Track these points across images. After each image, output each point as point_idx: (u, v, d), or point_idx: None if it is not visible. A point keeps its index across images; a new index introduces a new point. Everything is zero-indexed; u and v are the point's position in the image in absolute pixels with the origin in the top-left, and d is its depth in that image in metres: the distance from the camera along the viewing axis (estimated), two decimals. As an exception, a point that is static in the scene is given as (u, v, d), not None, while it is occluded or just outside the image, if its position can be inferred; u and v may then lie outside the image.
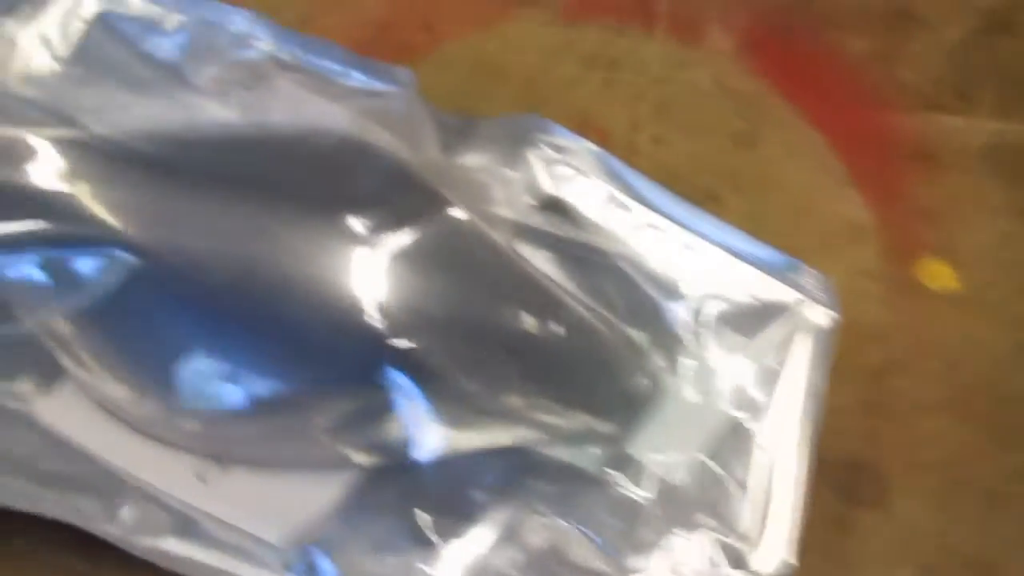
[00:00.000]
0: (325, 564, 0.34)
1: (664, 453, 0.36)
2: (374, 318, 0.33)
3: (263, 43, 0.40)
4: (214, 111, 0.39)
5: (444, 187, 0.37)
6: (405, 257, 0.34)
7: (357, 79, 0.40)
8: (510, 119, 0.41)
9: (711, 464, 0.36)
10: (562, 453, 0.36)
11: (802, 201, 0.44)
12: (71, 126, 0.36)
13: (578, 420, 0.36)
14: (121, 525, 0.34)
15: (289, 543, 0.34)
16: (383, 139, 0.38)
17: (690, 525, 0.35)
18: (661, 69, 0.46)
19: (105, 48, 0.40)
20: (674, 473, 0.36)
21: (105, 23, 0.40)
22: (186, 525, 0.34)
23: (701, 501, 0.35)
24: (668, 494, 0.35)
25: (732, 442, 0.36)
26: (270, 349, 0.34)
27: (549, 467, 0.36)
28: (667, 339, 0.38)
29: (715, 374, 0.37)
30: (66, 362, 0.35)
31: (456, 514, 0.34)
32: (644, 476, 0.36)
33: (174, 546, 0.34)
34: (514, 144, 0.39)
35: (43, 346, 0.35)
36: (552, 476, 0.35)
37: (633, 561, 0.34)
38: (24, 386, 0.36)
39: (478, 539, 0.34)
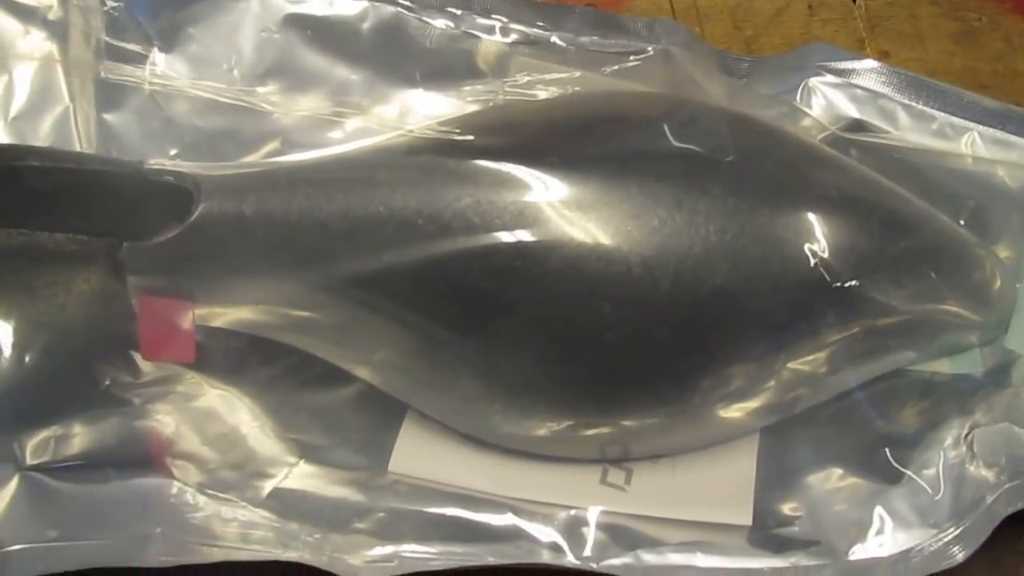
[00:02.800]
0: (795, 530, 0.33)
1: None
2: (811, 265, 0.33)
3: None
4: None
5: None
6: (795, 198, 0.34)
7: (615, 44, 0.40)
8: (789, 53, 0.41)
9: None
10: (944, 367, 0.36)
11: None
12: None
13: (962, 317, 0.36)
14: (577, 554, 0.33)
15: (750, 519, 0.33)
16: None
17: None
18: (858, -14, 0.46)
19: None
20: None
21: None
22: (627, 535, 0.33)
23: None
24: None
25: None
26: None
27: (949, 384, 0.36)
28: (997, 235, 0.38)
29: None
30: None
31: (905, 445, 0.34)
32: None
33: (646, 558, 0.32)
34: (799, 74, 0.39)
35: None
36: (957, 390, 0.35)
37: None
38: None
39: (938, 461, 0.34)
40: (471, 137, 0.34)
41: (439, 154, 0.33)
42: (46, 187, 0.33)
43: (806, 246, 0.33)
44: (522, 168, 0.33)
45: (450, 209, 0.32)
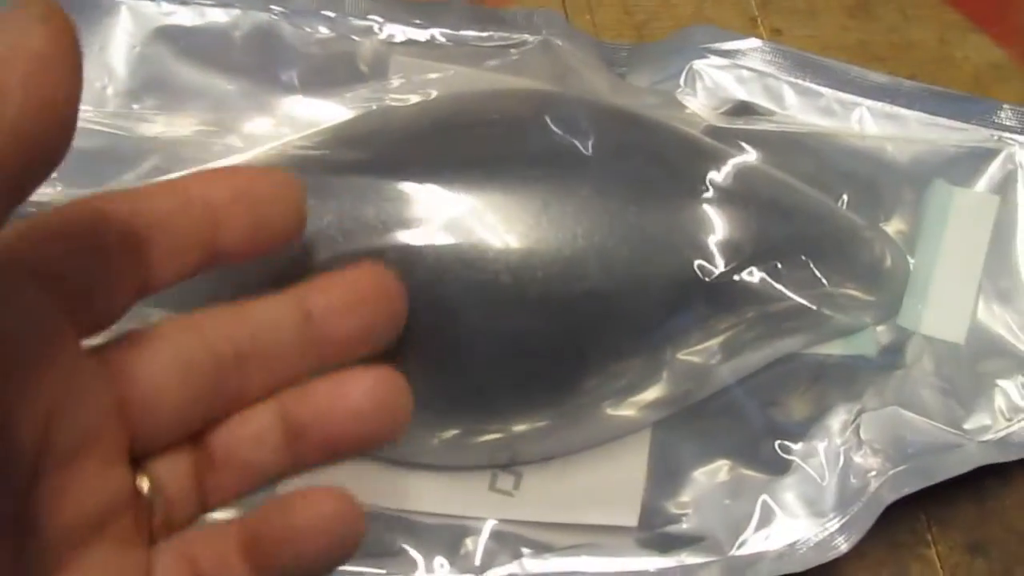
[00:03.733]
0: (682, 527, 0.33)
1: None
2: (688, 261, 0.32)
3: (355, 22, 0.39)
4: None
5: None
6: (669, 194, 0.33)
7: (495, 37, 0.39)
8: (672, 36, 0.40)
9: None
10: (838, 348, 0.36)
11: (935, 56, 0.44)
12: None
13: (852, 299, 0.35)
14: (462, 565, 0.33)
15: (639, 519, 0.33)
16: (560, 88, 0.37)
17: (987, 375, 0.35)
18: (753, -40, 0.46)
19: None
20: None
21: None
22: (514, 543, 0.33)
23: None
24: (953, 357, 0.36)
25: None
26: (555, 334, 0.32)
27: (841, 367, 0.36)
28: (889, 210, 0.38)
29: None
30: None
31: (793, 434, 0.34)
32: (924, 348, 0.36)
33: (530, 566, 0.32)
34: (682, 57, 0.39)
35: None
36: (848, 374, 0.35)
37: (965, 422, 0.34)
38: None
39: (825, 449, 0.34)
40: (334, 151, 0.33)
41: (299, 171, 0.33)
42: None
43: (679, 242, 0.33)
44: (385, 181, 0.32)
45: (312, 227, 0.31)
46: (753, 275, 0.33)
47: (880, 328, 0.36)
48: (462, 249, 0.31)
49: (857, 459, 0.33)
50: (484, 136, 0.34)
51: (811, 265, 0.34)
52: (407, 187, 0.32)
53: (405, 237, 0.31)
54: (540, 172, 0.33)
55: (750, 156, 0.36)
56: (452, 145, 0.34)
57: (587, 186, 0.32)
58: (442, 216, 0.32)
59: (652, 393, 0.34)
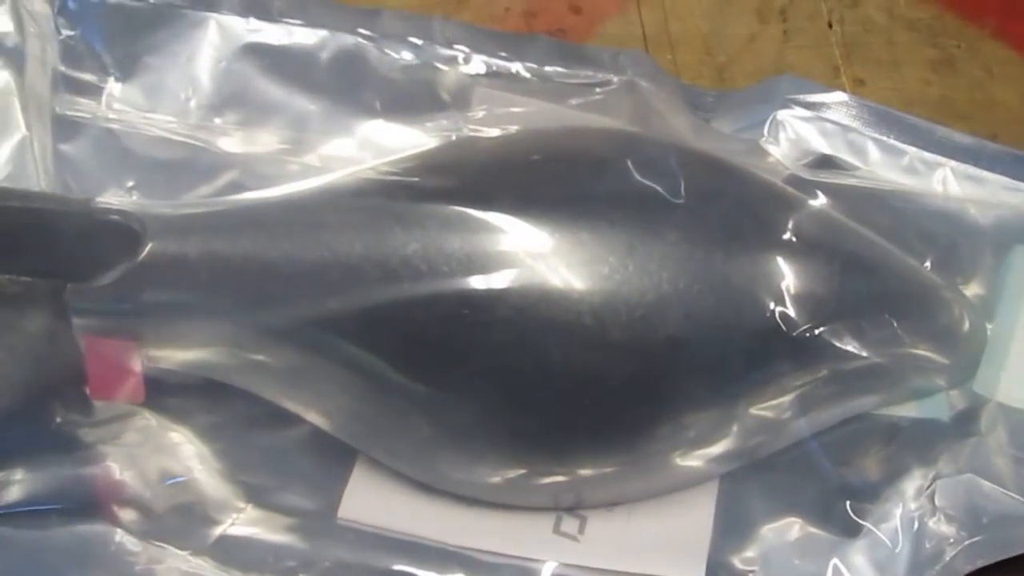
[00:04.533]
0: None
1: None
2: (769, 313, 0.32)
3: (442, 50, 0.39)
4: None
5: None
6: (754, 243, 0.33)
7: (579, 75, 0.39)
8: (757, 85, 0.40)
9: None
10: (911, 411, 0.36)
11: (1018, 116, 0.43)
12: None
13: (928, 361, 0.35)
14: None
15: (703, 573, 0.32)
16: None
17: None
18: (835, 10, 0.45)
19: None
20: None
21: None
22: None
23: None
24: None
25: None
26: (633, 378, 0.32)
27: (914, 430, 0.35)
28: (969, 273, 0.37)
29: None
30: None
31: (865, 496, 0.33)
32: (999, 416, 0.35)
33: None
34: (767, 107, 0.38)
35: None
36: (922, 438, 0.35)
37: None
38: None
39: (898, 514, 0.33)
40: (421, 179, 0.33)
41: (387, 197, 0.33)
42: (-10, 226, 0.33)
43: (763, 294, 0.32)
44: (471, 212, 0.32)
45: (397, 255, 0.31)
46: (835, 331, 0.33)
47: (954, 392, 0.36)
48: (546, 288, 0.31)
49: (931, 526, 0.33)
50: (571, 174, 0.34)
51: (894, 324, 0.34)
52: (493, 220, 0.32)
53: (489, 271, 0.31)
54: (627, 214, 0.32)
55: (834, 209, 0.36)
56: (539, 180, 0.33)
57: (674, 231, 0.32)
58: (527, 252, 0.31)
59: (723, 445, 0.33)
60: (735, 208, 0.34)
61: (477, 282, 0.31)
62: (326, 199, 0.33)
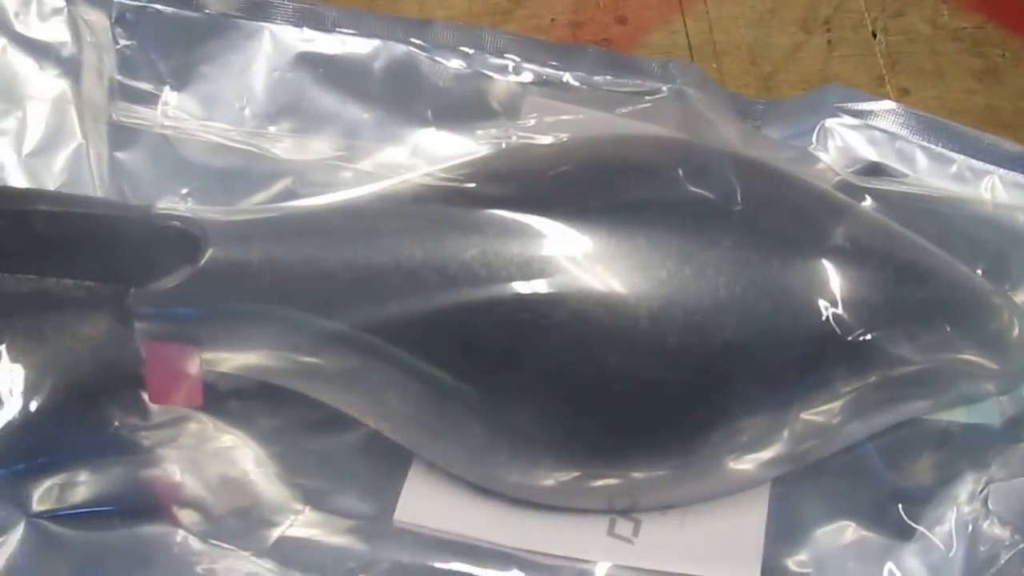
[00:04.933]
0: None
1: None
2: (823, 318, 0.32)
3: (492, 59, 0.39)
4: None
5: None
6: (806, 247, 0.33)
7: (628, 84, 0.39)
8: (805, 94, 0.40)
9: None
10: (961, 416, 0.36)
11: (1061, 125, 0.44)
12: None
13: (978, 366, 0.35)
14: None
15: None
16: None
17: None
18: (879, 19, 0.46)
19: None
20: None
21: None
22: None
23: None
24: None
25: None
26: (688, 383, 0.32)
27: (965, 436, 0.35)
28: (1017, 281, 0.38)
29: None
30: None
31: (918, 500, 0.34)
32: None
33: None
34: (815, 116, 0.39)
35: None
36: (973, 443, 0.35)
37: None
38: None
39: (952, 518, 0.33)
40: (478, 185, 0.34)
41: (445, 203, 0.33)
42: (54, 232, 0.33)
43: (818, 299, 0.32)
44: (528, 218, 0.32)
45: (456, 260, 0.32)
46: (889, 336, 0.33)
47: (1004, 398, 0.36)
48: (604, 293, 0.31)
49: (985, 529, 0.33)
50: (627, 180, 0.34)
51: (947, 329, 0.34)
52: (550, 226, 0.32)
53: (547, 276, 0.32)
54: (683, 220, 0.33)
55: (886, 215, 0.36)
56: (595, 187, 0.34)
57: (729, 237, 0.32)
58: (585, 258, 0.32)
59: (774, 450, 0.33)
60: (789, 214, 0.34)
61: (535, 287, 0.31)
62: (384, 205, 0.34)
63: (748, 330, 0.32)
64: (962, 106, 0.43)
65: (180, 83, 0.39)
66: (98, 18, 0.40)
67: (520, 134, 0.38)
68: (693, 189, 0.33)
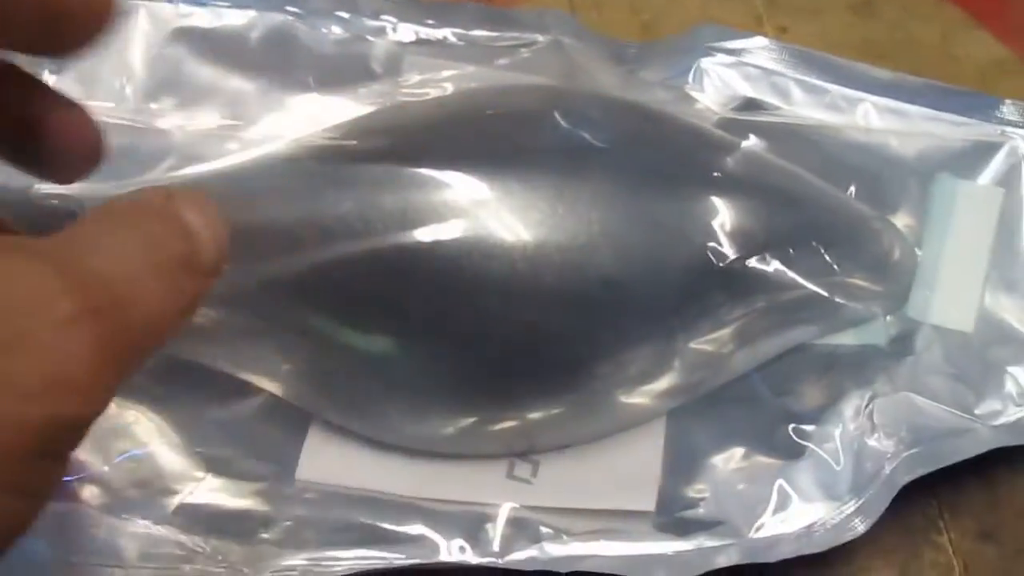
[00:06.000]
0: (699, 512, 0.33)
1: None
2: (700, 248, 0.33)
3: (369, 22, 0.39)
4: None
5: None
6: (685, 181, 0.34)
7: (506, 37, 0.40)
8: (679, 35, 0.41)
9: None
10: (849, 338, 0.37)
11: (938, 54, 0.45)
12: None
13: (862, 289, 0.36)
14: (482, 551, 0.33)
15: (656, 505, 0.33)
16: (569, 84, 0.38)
17: (997, 362, 0.36)
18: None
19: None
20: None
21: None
22: (533, 528, 0.33)
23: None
24: (962, 345, 0.36)
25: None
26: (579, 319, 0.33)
27: (852, 356, 0.36)
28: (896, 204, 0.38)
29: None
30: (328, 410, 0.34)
31: (807, 420, 0.34)
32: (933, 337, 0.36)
33: (550, 550, 0.32)
34: (690, 56, 0.39)
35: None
36: (860, 362, 0.36)
37: (976, 407, 0.35)
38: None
39: (839, 435, 0.34)
40: (353, 141, 0.34)
41: (319, 160, 0.33)
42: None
43: (692, 230, 0.33)
44: (403, 170, 0.32)
45: (331, 215, 0.32)
46: (766, 262, 0.33)
47: (889, 319, 0.37)
48: (480, 237, 0.32)
49: (871, 443, 0.34)
50: (499, 128, 0.34)
51: (822, 252, 0.34)
52: (425, 176, 0.32)
53: (424, 225, 0.32)
54: (554, 162, 0.33)
55: (760, 146, 0.37)
56: (468, 136, 0.34)
57: (600, 174, 0.33)
58: (459, 205, 0.32)
59: (665, 382, 0.34)
60: (661, 149, 0.35)
61: (412, 237, 0.32)
62: (260, 169, 0.34)
63: (624, 263, 0.32)
64: (840, 40, 0.44)
65: (58, 65, 0.39)
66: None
67: (403, 91, 0.39)
68: (566, 131, 0.34)
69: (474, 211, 0.32)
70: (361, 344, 0.33)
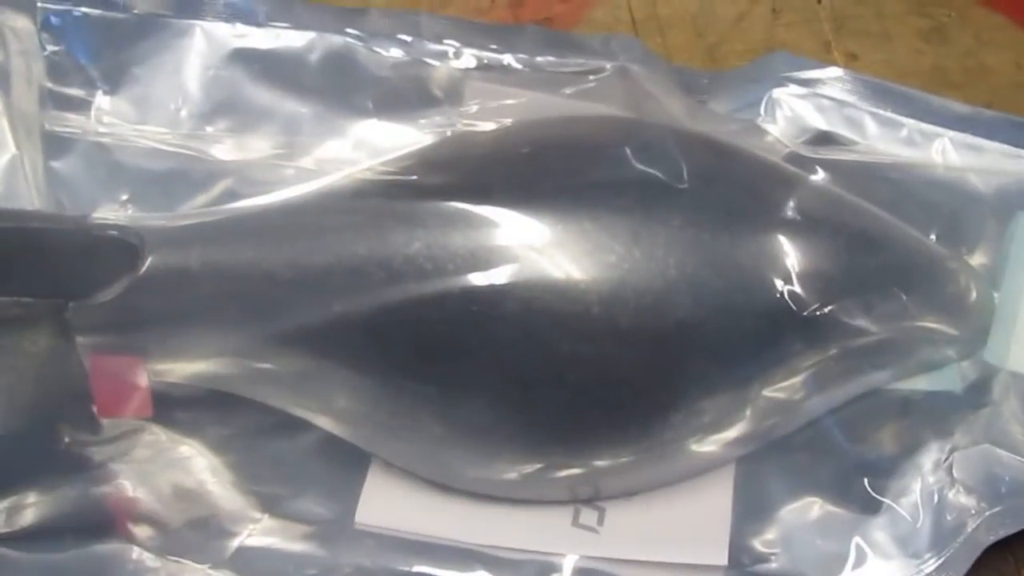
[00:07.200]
0: (772, 566, 0.32)
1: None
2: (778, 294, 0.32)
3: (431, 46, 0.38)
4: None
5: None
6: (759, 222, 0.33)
7: (571, 64, 0.39)
8: (751, 64, 0.40)
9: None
10: (922, 383, 0.35)
11: (1011, 82, 0.43)
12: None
13: (937, 332, 0.34)
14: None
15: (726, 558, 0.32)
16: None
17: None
18: (822, -15, 0.45)
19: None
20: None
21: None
22: None
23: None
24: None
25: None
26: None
27: (927, 403, 0.35)
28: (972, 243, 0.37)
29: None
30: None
31: (883, 472, 0.33)
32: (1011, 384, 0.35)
33: None
34: (762, 86, 0.38)
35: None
36: (936, 410, 0.35)
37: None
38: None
39: (917, 488, 0.33)
40: (420, 177, 0.33)
41: (387, 197, 0.32)
42: (-14, 248, 0.32)
43: (771, 274, 0.32)
44: (472, 207, 0.32)
45: (400, 255, 0.31)
46: (845, 307, 0.32)
47: (965, 363, 0.36)
48: (553, 280, 0.31)
49: (951, 498, 0.33)
50: (569, 163, 0.33)
51: (902, 296, 0.33)
52: (494, 214, 0.32)
53: (494, 266, 0.31)
54: (629, 201, 0.32)
55: (833, 182, 0.36)
56: (538, 172, 0.33)
57: (678, 215, 0.32)
58: (531, 245, 0.31)
59: (736, 429, 0.33)
60: (737, 189, 0.34)
61: (482, 278, 0.31)
62: (325, 202, 0.33)
63: (702, 309, 0.31)
64: (910, 68, 0.42)
65: (112, 87, 0.38)
66: (24, 24, 0.38)
67: (463, 121, 0.37)
68: (639, 168, 0.33)
69: (546, 252, 0.31)
70: (425, 386, 0.32)
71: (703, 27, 0.43)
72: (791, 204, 0.33)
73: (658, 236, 0.31)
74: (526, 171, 0.33)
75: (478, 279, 0.31)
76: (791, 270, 0.32)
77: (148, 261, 0.31)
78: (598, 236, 0.31)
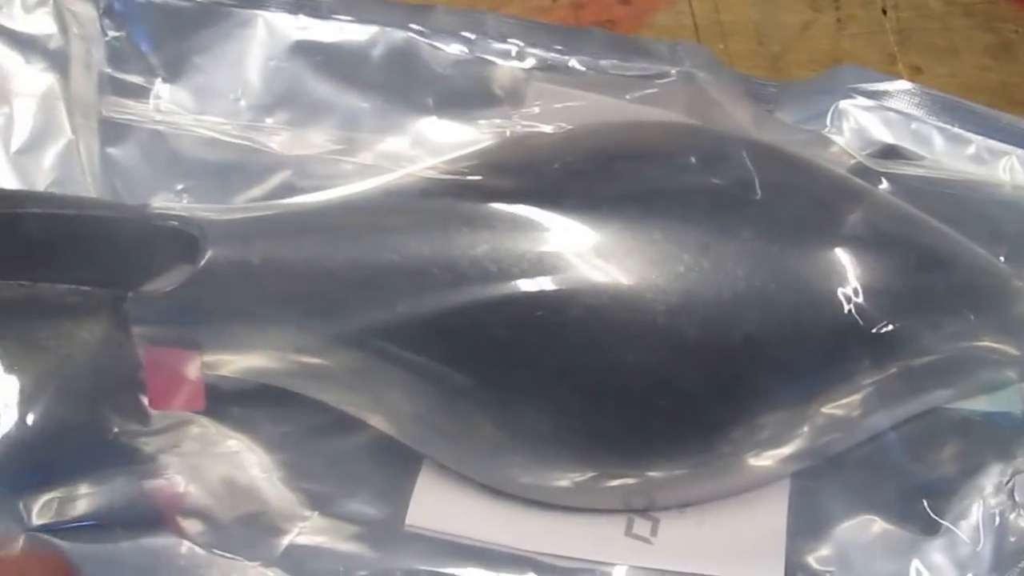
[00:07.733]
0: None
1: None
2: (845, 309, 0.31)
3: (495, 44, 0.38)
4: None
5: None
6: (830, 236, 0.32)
7: (636, 68, 0.38)
8: (818, 76, 0.39)
9: None
10: (982, 404, 0.35)
11: (1079, 98, 0.43)
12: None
13: (1000, 353, 0.34)
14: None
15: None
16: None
17: None
18: (887, -3, 0.45)
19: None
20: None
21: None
22: None
23: None
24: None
25: None
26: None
27: (987, 424, 0.34)
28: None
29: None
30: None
31: (942, 493, 0.33)
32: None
33: None
34: (829, 97, 0.37)
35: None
36: (997, 431, 0.34)
37: None
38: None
39: (978, 511, 0.32)
40: (484, 178, 0.33)
41: (453, 197, 0.32)
42: (47, 236, 0.32)
43: (839, 289, 0.31)
44: (539, 211, 0.31)
45: (466, 257, 0.31)
46: (912, 325, 0.32)
47: (1025, 385, 0.35)
48: (619, 288, 0.30)
49: (1012, 521, 0.32)
50: (639, 169, 0.33)
51: (970, 315, 0.33)
52: (561, 219, 0.31)
53: (560, 272, 0.31)
54: (699, 210, 0.32)
55: (899, 196, 0.35)
56: (606, 177, 0.33)
57: (749, 227, 0.31)
58: (598, 252, 0.31)
59: (794, 445, 0.32)
60: (808, 202, 0.33)
61: (549, 283, 0.30)
62: (389, 201, 0.33)
63: (769, 323, 0.31)
64: (976, 83, 0.42)
65: (172, 75, 0.37)
66: (85, 9, 0.38)
67: (524, 122, 0.37)
68: (707, 177, 0.32)
69: (614, 260, 0.31)
70: (485, 390, 0.31)
71: (766, 35, 0.43)
72: (860, 219, 0.33)
73: (728, 248, 0.31)
74: (592, 176, 0.33)
75: (544, 284, 0.30)
76: (859, 285, 0.32)
77: (208, 254, 0.31)
78: (667, 245, 0.31)
